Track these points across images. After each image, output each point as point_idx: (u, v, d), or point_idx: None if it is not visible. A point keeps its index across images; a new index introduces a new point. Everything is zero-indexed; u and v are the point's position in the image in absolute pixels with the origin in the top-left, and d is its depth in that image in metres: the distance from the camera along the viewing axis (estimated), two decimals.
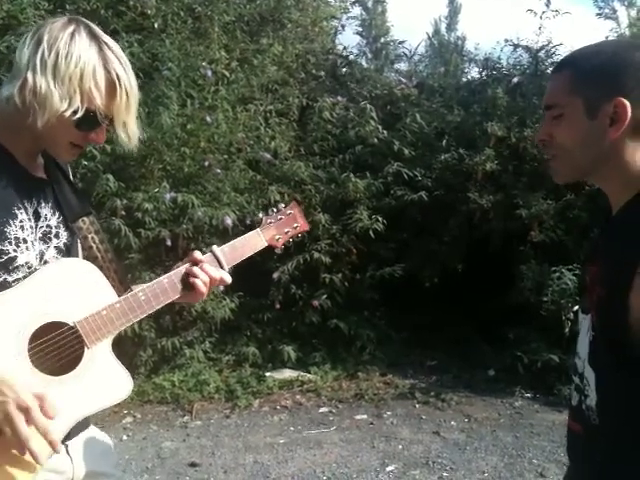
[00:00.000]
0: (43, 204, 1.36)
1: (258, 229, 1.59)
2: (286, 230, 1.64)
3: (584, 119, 1.09)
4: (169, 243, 4.67)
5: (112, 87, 1.27)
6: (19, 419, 1.13)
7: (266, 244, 1.59)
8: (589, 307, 1.14)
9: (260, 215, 1.64)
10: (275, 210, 1.65)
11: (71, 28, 1.26)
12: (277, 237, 1.62)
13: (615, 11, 11.64)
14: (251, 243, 1.56)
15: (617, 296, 0.98)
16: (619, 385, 1.06)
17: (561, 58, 1.19)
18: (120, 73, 1.27)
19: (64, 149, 1.33)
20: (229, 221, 4.72)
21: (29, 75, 1.22)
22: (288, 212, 1.65)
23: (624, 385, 1.05)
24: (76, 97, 1.23)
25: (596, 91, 1.08)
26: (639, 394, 1.03)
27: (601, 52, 1.12)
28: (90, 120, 1.27)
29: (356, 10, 8.61)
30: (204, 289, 1.43)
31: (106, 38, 1.30)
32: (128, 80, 1.28)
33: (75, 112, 1.24)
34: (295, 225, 1.66)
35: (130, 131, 1.33)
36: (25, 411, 1.13)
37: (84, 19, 1.32)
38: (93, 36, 1.27)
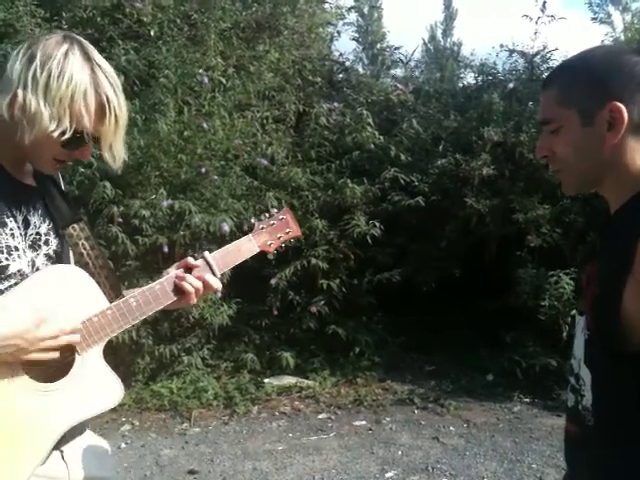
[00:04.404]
0: (32, 211, 1.37)
1: (250, 235, 1.58)
2: (278, 235, 1.63)
3: (580, 129, 1.09)
4: (166, 250, 4.66)
5: (102, 110, 1.27)
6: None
7: (258, 250, 1.58)
8: (584, 306, 1.14)
9: (252, 220, 1.63)
10: (267, 215, 1.64)
11: (65, 47, 1.26)
12: (269, 242, 1.61)
13: (610, 15, 11.72)
14: (243, 249, 1.56)
15: (611, 295, 0.98)
16: (614, 385, 1.06)
17: (550, 71, 1.19)
18: (111, 96, 1.28)
19: (47, 164, 1.34)
20: (226, 227, 4.71)
21: (19, 92, 1.23)
22: (280, 217, 1.64)
23: (619, 385, 1.05)
24: (65, 118, 1.24)
25: (588, 100, 1.08)
26: (633, 394, 1.03)
27: (588, 60, 1.12)
28: (77, 140, 1.28)
29: (352, 16, 8.65)
30: (194, 296, 1.44)
31: (99, 59, 1.30)
32: (118, 103, 1.29)
33: (63, 133, 1.24)
34: (287, 230, 1.65)
35: (116, 152, 1.34)
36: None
37: (78, 37, 1.32)
38: (86, 57, 1.27)
